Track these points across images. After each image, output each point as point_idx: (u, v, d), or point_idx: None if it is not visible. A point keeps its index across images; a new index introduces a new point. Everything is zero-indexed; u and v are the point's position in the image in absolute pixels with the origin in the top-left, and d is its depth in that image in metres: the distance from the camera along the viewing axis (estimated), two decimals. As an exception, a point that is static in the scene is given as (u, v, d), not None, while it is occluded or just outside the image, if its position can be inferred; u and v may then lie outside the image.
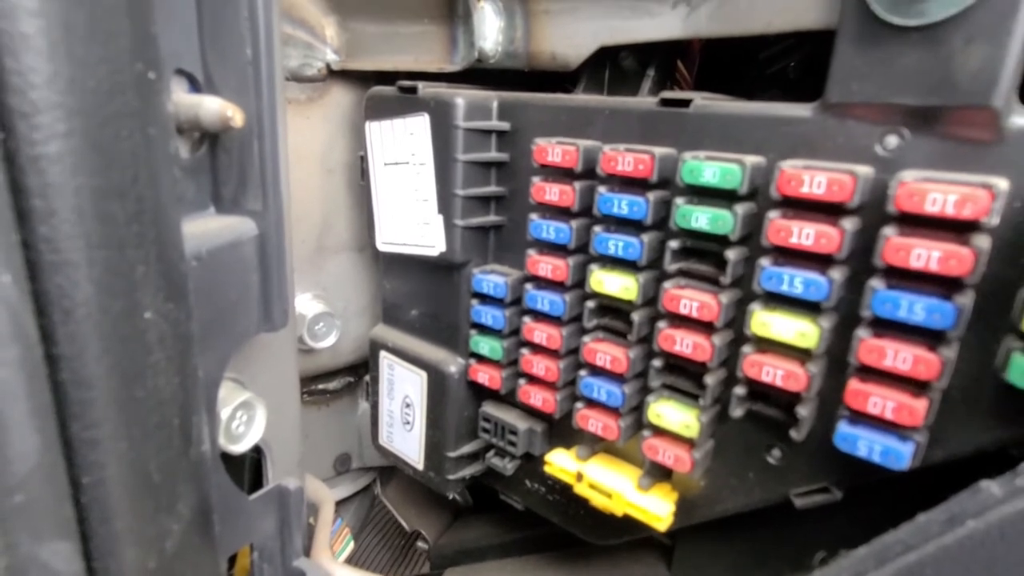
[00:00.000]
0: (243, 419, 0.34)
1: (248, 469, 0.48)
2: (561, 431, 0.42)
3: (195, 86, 0.29)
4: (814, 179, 0.27)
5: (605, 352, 0.36)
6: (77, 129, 0.18)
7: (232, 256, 0.29)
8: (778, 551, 0.38)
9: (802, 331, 0.29)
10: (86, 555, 0.23)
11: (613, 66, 0.41)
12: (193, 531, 0.27)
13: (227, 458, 0.33)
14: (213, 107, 0.27)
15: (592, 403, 0.38)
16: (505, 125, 0.40)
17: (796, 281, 0.28)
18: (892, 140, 0.27)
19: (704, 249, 0.32)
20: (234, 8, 0.27)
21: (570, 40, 0.38)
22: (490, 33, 0.39)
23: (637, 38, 0.36)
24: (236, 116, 0.27)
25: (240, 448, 0.34)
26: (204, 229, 0.28)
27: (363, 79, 0.46)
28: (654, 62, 0.39)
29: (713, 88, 0.35)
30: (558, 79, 0.41)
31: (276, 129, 0.30)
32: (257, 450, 0.38)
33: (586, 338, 0.37)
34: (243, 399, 0.34)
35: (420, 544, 0.65)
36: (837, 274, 0.28)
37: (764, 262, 0.29)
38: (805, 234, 0.28)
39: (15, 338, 0.19)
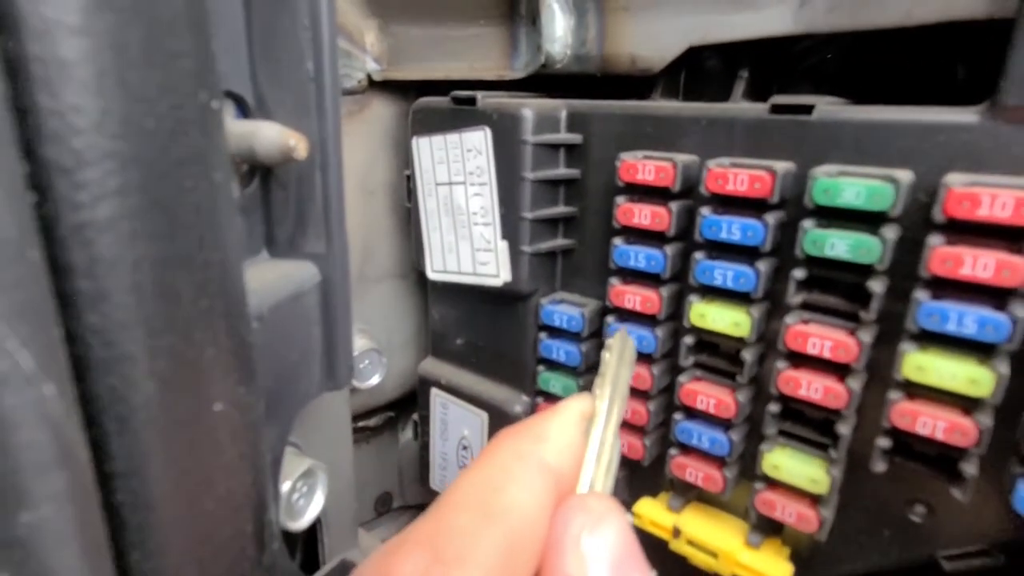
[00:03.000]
0: (303, 490, 0.29)
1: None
2: (645, 477, 0.38)
3: (243, 109, 0.24)
4: (996, 200, 0.23)
5: (708, 395, 0.32)
6: (134, 183, 0.14)
7: (294, 310, 0.25)
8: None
9: (973, 377, 0.24)
10: None
11: (691, 68, 0.37)
12: (266, 649, 0.22)
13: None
14: (271, 135, 0.22)
15: (689, 450, 0.34)
16: (577, 138, 0.35)
17: (967, 320, 0.24)
18: (1090, 150, 0.22)
19: (832, 279, 0.28)
20: (292, 16, 0.23)
21: (654, 40, 0.33)
22: (558, 34, 0.35)
23: (737, 36, 0.31)
24: (299, 146, 0.22)
25: (301, 525, 0.29)
26: (261, 281, 0.24)
27: (406, 89, 0.42)
28: (746, 62, 0.34)
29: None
30: (629, 85, 0.37)
31: (340, 158, 0.25)
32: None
33: (682, 378, 0.33)
34: (304, 468, 0.29)
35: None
36: (1021, 310, 0.23)
37: (921, 296, 0.25)
38: (982, 264, 0.23)
39: (62, 464, 0.14)
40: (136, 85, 0.13)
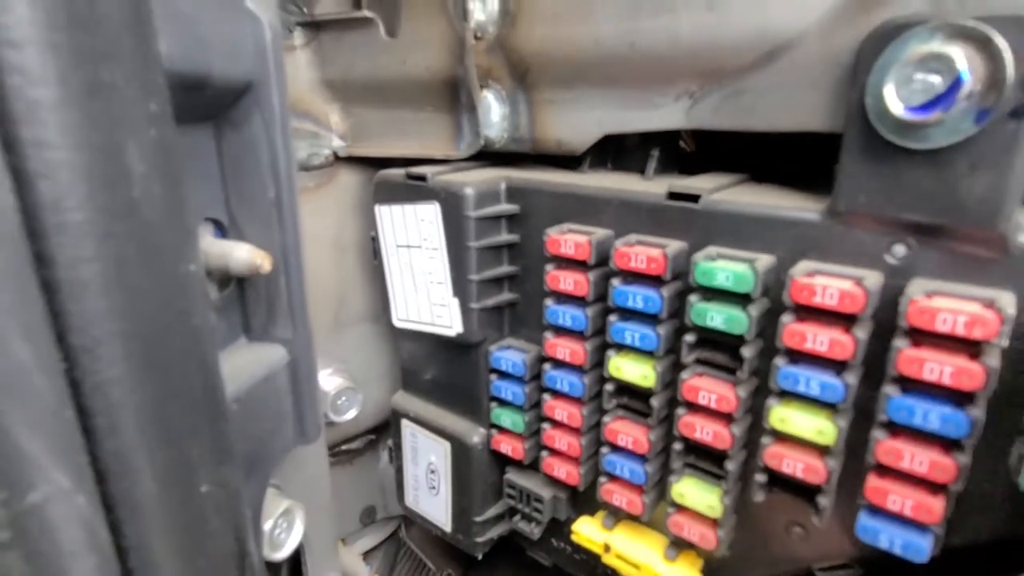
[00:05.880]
0: (283, 525, 0.35)
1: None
2: (586, 498, 0.44)
3: (220, 230, 0.30)
4: (826, 291, 0.28)
5: (626, 433, 0.37)
6: (135, 351, 0.19)
7: (268, 388, 0.30)
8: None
9: (820, 428, 0.30)
10: None
11: (617, 144, 0.42)
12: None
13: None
14: (242, 255, 0.27)
15: (616, 478, 0.39)
16: (515, 208, 0.41)
17: (812, 383, 0.30)
18: (900, 249, 0.28)
19: (720, 340, 0.33)
20: (256, 157, 0.28)
21: (575, 128, 0.39)
22: (495, 121, 0.40)
23: (640, 127, 0.37)
24: (264, 263, 0.28)
25: (282, 555, 0.35)
26: (239, 365, 0.29)
27: (370, 160, 0.47)
28: (658, 143, 0.39)
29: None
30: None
31: (300, 262, 0.30)
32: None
33: (606, 418, 0.38)
34: (283, 508, 0.35)
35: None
36: (852, 378, 0.29)
37: (780, 362, 0.31)
38: (820, 341, 0.29)
39: (92, 549, 0.20)
40: (134, 283, 0.19)
